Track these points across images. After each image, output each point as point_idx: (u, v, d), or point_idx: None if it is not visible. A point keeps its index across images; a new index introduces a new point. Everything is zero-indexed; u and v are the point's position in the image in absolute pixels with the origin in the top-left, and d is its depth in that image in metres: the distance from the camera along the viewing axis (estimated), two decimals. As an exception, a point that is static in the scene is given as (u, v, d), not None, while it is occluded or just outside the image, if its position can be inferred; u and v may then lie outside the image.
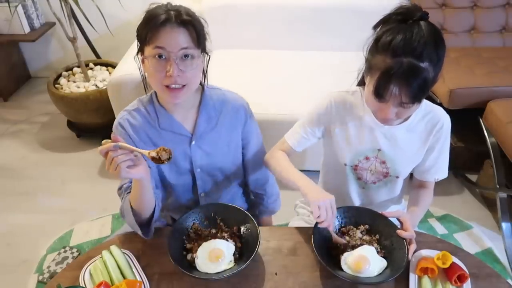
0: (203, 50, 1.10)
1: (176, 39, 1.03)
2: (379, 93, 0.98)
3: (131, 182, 1.16)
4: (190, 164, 1.23)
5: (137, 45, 1.11)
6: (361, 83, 1.17)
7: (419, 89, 0.94)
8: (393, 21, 0.97)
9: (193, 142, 1.20)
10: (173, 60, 1.03)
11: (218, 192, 1.32)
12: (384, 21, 1.00)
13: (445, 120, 1.16)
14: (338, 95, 1.21)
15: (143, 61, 1.10)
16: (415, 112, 1.13)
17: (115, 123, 1.21)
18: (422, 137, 1.17)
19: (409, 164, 1.22)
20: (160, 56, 1.03)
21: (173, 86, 1.06)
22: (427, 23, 0.96)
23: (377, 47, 0.99)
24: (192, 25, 1.04)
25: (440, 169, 1.22)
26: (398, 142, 1.17)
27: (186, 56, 1.05)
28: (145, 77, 1.15)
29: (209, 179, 1.28)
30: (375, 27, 1.02)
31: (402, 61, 0.93)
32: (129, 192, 1.15)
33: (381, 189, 1.27)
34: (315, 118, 1.23)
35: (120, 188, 1.21)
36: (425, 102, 1.15)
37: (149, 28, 1.03)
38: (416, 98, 0.96)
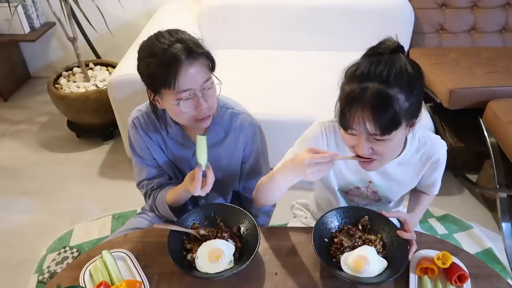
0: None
1: (197, 76, 1.05)
2: (343, 121, 0.91)
3: (149, 179, 1.27)
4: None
5: (148, 85, 1.10)
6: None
7: (386, 117, 0.86)
8: (370, 55, 0.91)
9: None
10: (200, 97, 1.06)
11: (217, 199, 1.36)
12: (363, 57, 0.94)
13: (442, 153, 1.11)
14: (329, 125, 1.12)
15: (157, 100, 1.12)
16: (406, 149, 1.08)
17: (129, 121, 1.25)
18: (416, 168, 1.13)
19: (401, 192, 1.21)
20: (187, 98, 1.06)
21: (204, 116, 1.11)
22: (403, 55, 0.91)
23: (344, 78, 0.94)
24: (204, 55, 1.06)
25: (436, 188, 1.23)
26: (390, 176, 1.14)
27: (208, 87, 1.08)
28: (155, 107, 1.17)
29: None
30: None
31: (368, 86, 0.86)
32: (153, 188, 1.27)
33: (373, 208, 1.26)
34: (307, 145, 1.16)
35: (139, 184, 1.30)
36: (419, 133, 1.10)
37: (168, 73, 1.02)
38: (385, 129, 0.87)
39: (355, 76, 0.89)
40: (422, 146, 1.10)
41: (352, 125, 0.90)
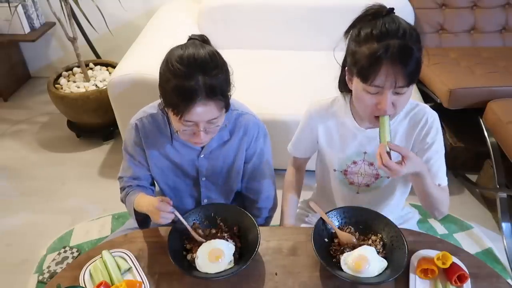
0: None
1: (206, 114, 1.02)
2: (371, 78, 0.95)
3: (131, 178, 1.27)
4: (196, 173, 1.27)
5: (162, 100, 1.07)
6: (342, 89, 1.17)
7: (413, 67, 0.94)
8: (365, 21, 0.99)
9: (202, 156, 1.23)
10: (201, 130, 1.05)
11: (220, 199, 1.35)
12: (356, 24, 1.01)
13: (430, 115, 1.13)
14: (318, 104, 1.23)
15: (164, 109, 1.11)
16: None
17: (132, 121, 1.22)
18: (406, 134, 1.16)
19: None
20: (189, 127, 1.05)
21: (199, 143, 1.13)
22: (396, 15, 0.99)
23: (358, 41, 0.98)
24: (223, 96, 1.03)
25: (436, 174, 1.14)
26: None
27: (214, 124, 1.06)
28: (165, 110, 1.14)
29: (213, 187, 1.31)
30: (347, 32, 1.04)
31: (389, 43, 0.93)
32: (131, 186, 1.26)
33: (375, 192, 1.26)
34: (305, 128, 1.26)
35: (120, 178, 1.31)
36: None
37: (180, 104, 0.99)
38: (411, 79, 0.95)
39: (374, 36, 0.95)
40: (410, 111, 1.15)
41: (382, 81, 0.95)
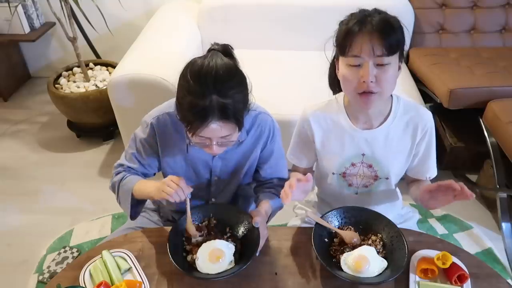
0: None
1: (218, 132, 1.01)
2: (348, 47, 0.99)
3: (130, 167, 1.22)
4: (209, 172, 1.25)
5: (177, 113, 1.05)
6: (333, 88, 1.20)
7: (392, 38, 0.97)
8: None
9: (217, 156, 1.21)
10: (214, 144, 1.04)
11: (227, 197, 1.33)
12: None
13: (428, 120, 1.16)
14: (313, 107, 1.22)
15: None
16: (393, 112, 1.14)
17: (147, 120, 1.18)
18: (405, 136, 1.16)
19: (396, 164, 1.21)
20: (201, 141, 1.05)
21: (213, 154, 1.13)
22: None
23: (341, 27, 1.05)
24: (236, 119, 1.01)
25: (430, 168, 1.22)
26: (380, 144, 1.16)
27: (228, 140, 1.05)
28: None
29: (224, 186, 1.30)
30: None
31: (367, 17, 0.99)
32: (129, 171, 1.22)
33: (374, 192, 1.27)
34: (301, 131, 1.25)
35: (119, 165, 1.25)
36: (403, 101, 1.17)
37: (192, 122, 0.98)
38: (390, 48, 0.97)
39: (353, 16, 1.02)
40: (407, 112, 1.15)
41: (360, 50, 0.99)
